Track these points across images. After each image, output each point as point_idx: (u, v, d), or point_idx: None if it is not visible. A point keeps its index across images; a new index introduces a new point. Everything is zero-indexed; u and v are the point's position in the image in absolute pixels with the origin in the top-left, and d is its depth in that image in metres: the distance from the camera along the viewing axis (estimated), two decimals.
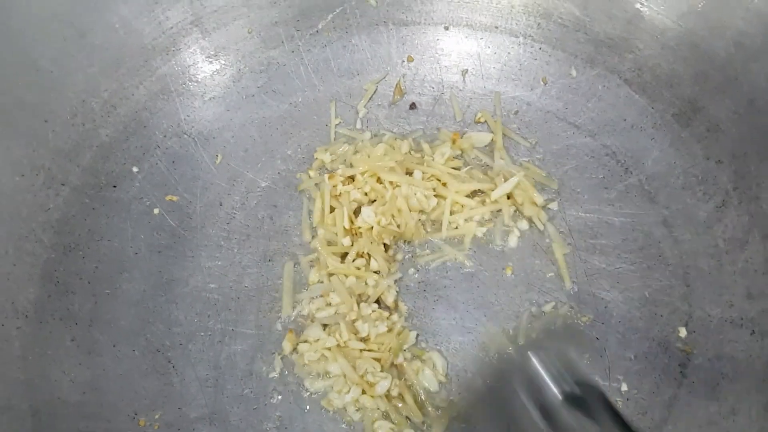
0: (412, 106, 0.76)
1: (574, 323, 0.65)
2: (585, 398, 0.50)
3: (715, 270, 0.67)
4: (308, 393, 0.63)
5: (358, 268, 0.68)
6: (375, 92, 0.83)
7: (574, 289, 0.68)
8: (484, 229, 0.72)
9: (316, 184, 0.74)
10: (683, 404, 0.61)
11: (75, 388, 0.62)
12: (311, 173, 0.76)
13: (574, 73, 0.80)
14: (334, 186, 0.72)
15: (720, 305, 0.65)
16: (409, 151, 0.76)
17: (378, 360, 0.63)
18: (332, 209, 0.72)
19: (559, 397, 0.51)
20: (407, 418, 0.61)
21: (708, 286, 0.66)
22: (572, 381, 0.52)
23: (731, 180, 0.69)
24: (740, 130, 0.70)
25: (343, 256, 0.70)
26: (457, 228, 0.72)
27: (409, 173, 0.73)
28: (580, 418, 0.49)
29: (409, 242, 0.72)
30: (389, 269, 0.69)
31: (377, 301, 0.67)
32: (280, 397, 0.64)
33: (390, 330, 0.64)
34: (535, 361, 0.54)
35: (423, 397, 0.62)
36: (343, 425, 0.62)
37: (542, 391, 0.52)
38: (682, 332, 0.65)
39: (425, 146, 0.77)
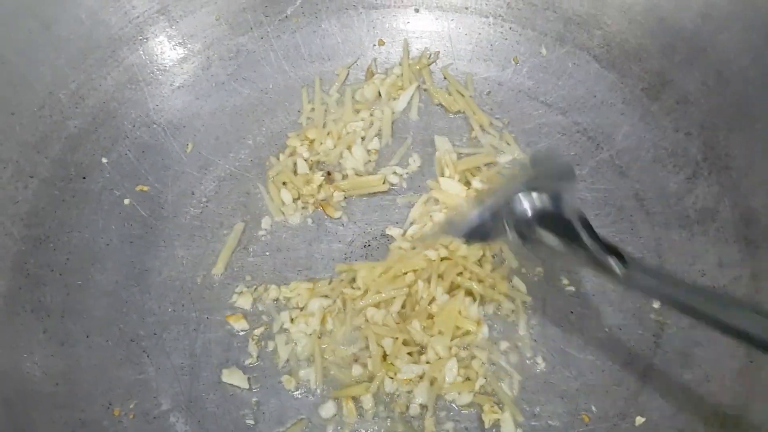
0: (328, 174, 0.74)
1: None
2: (560, 217, 0.49)
3: (686, 240, 0.67)
4: (284, 378, 0.63)
5: None
6: (347, 77, 0.82)
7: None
8: None
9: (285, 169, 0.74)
10: (658, 374, 0.61)
11: (48, 379, 0.61)
12: (281, 157, 0.75)
13: (544, 51, 0.80)
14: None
15: (692, 274, 0.65)
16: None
17: None
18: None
19: (529, 213, 0.50)
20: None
21: (680, 257, 0.67)
22: (549, 202, 0.50)
23: (701, 151, 0.69)
24: (709, 102, 0.70)
25: None
26: None
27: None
28: (549, 236, 0.48)
29: None
30: None
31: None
32: (256, 384, 0.63)
33: None
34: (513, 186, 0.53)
35: None
36: (322, 411, 0.61)
37: (514, 210, 0.51)
38: (656, 303, 0.65)
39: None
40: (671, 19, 0.72)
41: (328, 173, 0.73)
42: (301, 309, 0.66)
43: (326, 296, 0.66)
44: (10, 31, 0.69)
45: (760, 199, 0.65)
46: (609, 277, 0.46)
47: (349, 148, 0.76)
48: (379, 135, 0.77)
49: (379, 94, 0.80)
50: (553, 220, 0.49)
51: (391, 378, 0.61)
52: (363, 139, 0.77)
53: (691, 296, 0.42)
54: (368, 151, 0.76)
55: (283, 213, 0.72)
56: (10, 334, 0.61)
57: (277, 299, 0.67)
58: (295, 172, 0.74)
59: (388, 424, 0.60)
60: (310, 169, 0.74)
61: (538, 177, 0.52)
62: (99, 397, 0.62)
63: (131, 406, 0.62)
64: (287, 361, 0.64)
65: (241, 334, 0.66)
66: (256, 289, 0.67)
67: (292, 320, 0.65)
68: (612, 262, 0.44)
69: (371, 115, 0.79)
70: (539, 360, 0.63)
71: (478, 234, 0.55)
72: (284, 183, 0.73)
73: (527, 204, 0.50)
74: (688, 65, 0.71)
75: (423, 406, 0.61)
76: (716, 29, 0.70)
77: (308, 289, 0.66)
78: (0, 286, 0.63)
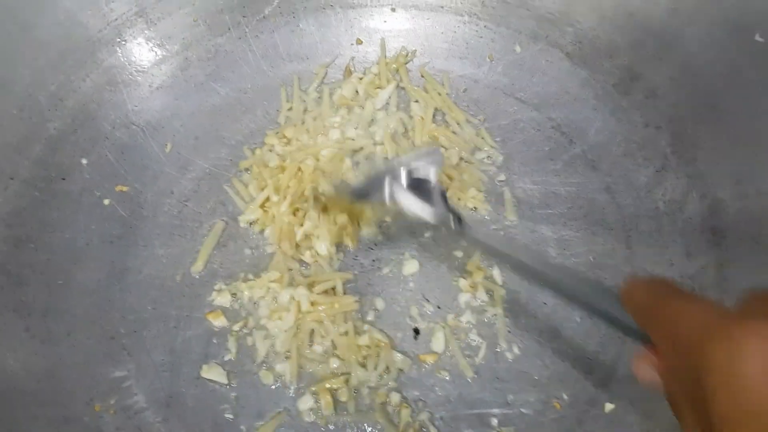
0: None
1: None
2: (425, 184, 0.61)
3: (655, 231, 0.69)
4: (261, 373, 0.64)
5: None
6: (325, 75, 0.83)
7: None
8: None
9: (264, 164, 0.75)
10: (627, 361, 0.63)
11: (31, 377, 0.62)
12: (257, 151, 0.77)
13: (518, 49, 0.81)
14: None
15: (661, 265, 0.67)
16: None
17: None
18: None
19: (404, 179, 0.60)
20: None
21: (649, 248, 0.68)
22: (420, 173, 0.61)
23: (669, 144, 0.71)
24: (677, 95, 0.71)
25: None
26: None
27: None
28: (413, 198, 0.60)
29: None
30: None
31: None
32: (236, 379, 0.65)
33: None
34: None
35: None
36: (300, 404, 0.63)
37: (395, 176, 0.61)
38: None
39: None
40: (640, 15, 0.74)
41: None
42: (276, 300, 0.67)
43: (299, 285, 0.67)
44: None
45: (726, 190, 0.67)
46: (450, 233, 0.58)
47: (325, 134, 0.77)
48: (356, 129, 0.78)
49: (357, 93, 0.81)
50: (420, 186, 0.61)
51: (362, 365, 0.62)
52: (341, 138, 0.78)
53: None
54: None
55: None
56: None
57: (252, 296, 0.68)
58: (265, 166, 0.75)
59: (366, 415, 0.61)
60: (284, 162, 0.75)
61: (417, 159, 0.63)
62: (81, 394, 0.62)
63: (112, 402, 0.63)
64: (266, 356, 0.65)
65: (220, 330, 0.67)
66: (233, 285, 0.68)
67: (270, 316, 0.66)
68: (452, 220, 0.57)
69: (349, 112, 0.80)
70: (513, 349, 0.64)
71: (361, 195, 0.65)
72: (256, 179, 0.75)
73: (404, 173, 0.61)
74: (656, 60, 0.73)
75: (403, 397, 0.62)
76: (683, 23, 0.71)
77: (277, 282, 0.67)
78: None
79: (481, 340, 0.65)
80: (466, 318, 0.66)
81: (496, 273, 0.68)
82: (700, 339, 0.31)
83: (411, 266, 0.69)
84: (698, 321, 0.32)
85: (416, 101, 0.81)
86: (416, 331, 0.66)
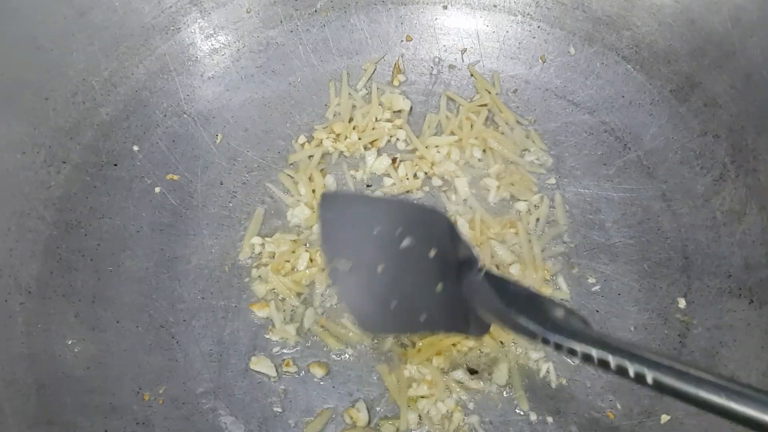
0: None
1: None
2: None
3: (713, 242, 0.68)
4: (311, 367, 0.64)
5: None
6: (374, 72, 0.83)
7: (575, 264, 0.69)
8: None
9: (309, 157, 0.75)
10: None
11: (79, 363, 0.62)
12: (306, 146, 0.77)
13: (572, 50, 0.80)
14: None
15: (718, 276, 0.66)
16: None
17: None
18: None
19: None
20: None
21: (706, 258, 0.67)
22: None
23: (728, 153, 0.70)
24: (737, 105, 0.70)
25: None
26: None
27: None
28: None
29: None
30: None
31: None
32: (284, 372, 0.64)
33: None
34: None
35: None
36: (348, 398, 0.62)
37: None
38: (681, 303, 0.65)
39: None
40: (701, 22, 0.73)
41: (393, 159, 0.75)
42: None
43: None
44: (46, 18, 0.69)
45: None
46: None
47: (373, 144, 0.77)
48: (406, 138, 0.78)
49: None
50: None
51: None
52: (390, 138, 0.78)
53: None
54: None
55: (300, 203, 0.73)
56: (42, 318, 0.62)
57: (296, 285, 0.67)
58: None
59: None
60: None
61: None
62: (129, 382, 0.62)
63: (161, 391, 0.62)
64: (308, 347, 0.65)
65: (267, 322, 0.66)
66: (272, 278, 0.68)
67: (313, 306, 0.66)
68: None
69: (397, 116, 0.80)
70: (565, 358, 0.63)
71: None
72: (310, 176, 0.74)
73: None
74: (717, 68, 0.72)
75: (456, 400, 0.61)
76: (745, 32, 0.70)
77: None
78: (32, 270, 0.64)
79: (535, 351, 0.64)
80: None
81: (561, 281, 0.67)
82: None
83: None
84: None
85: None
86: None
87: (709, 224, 0.68)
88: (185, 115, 0.77)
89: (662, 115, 0.75)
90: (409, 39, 0.84)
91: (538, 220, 0.71)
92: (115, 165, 0.72)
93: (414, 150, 0.76)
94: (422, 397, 0.61)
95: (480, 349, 0.63)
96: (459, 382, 0.62)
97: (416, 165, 0.75)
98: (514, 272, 0.67)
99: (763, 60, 0.69)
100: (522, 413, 0.61)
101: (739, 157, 0.69)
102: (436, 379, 0.61)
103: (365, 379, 0.63)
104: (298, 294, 0.67)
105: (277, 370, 0.64)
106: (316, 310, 0.66)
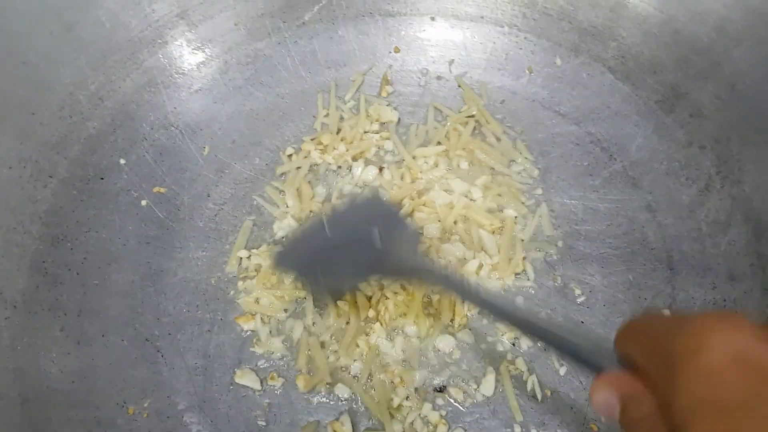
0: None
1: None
2: None
3: (698, 253, 0.68)
4: (296, 380, 0.64)
5: None
6: (362, 83, 0.83)
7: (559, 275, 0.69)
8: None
9: (297, 168, 0.76)
10: None
11: (64, 377, 0.62)
12: (293, 157, 0.77)
13: (558, 61, 0.81)
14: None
15: (703, 287, 0.66)
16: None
17: None
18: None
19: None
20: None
21: (691, 269, 0.67)
22: None
23: (714, 164, 0.70)
24: (723, 115, 0.70)
25: None
26: None
27: None
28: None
29: None
30: None
31: None
32: (269, 385, 0.64)
33: None
34: None
35: None
36: (332, 411, 0.62)
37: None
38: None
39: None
40: (686, 33, 0.73)
41: (380, 169, 0.76)
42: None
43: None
44: (33, 33, 0.70)
45: None
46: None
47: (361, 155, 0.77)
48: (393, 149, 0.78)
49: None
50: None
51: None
52: (377, 149, 0.78)
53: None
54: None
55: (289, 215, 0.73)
56: (27, 332, 0.62)
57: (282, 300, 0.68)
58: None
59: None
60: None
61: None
62: (114, 396, 0.62)
63: (145, 405, 0.62)
64: (295, 362, 0.65)
65: (252, 335, 0.66)
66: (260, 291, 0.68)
67: (305, 327, 0.66)
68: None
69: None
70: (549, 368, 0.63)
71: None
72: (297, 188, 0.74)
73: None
74: (702, 79, 0.72)
75: (441, 415, 0.61)
76: (731, 43, 0.70)
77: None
78: (18, 284, 0.64)
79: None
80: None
81: None
82: (671, 338, 0.30)
83: None
84: (672, 324, 0.32)
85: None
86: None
87: (695, 235, 0.68)
88: (172, 128, 0.77)
89: (648, 126, 0.75)
90: (397, 50, 0.84)
91: (524, 227, 0.71)
92: (102, 179, 0.72)
93: (401, 160, 0.77)
94: (403, 405, 0.61)
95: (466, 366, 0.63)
96: (438, 391, 0.62)
97: (402, 171, 0.75)
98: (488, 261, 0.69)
99: (748, 70, 0.69)
100: (507, 427, 0.61)
101: (724, 168, 0.69)
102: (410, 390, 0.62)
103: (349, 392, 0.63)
104: (285, 309, 0.67)
105: (261, 384, 0.64)
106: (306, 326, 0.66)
